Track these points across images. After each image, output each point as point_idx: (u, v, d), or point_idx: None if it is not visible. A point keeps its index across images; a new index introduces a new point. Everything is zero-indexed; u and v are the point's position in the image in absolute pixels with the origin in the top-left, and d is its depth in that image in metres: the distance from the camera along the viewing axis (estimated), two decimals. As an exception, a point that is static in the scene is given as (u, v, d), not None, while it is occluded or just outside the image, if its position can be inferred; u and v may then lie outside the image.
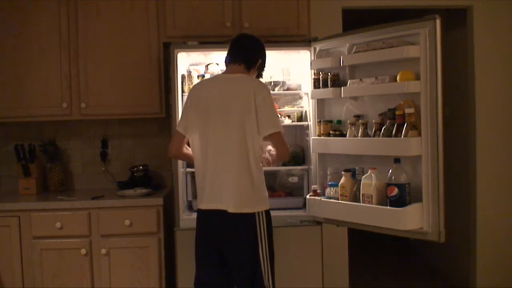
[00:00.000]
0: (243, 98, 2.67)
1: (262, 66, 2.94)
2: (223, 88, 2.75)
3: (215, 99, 2.72)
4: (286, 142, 2.79)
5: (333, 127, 3.16)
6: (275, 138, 2.72)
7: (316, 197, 3.17)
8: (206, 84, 2.91)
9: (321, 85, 3.21)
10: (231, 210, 2.64)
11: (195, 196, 3.41)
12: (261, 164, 2.78)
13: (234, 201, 2.65)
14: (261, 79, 2.95)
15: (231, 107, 2.67)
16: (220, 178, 2.68)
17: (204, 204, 2.75)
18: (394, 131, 2.74)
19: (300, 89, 3.59)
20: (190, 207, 3.46)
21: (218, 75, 2.97)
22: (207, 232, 2.77)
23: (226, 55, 2.89)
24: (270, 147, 2.88)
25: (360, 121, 2.96)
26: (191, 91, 2.91)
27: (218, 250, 2.74)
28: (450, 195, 2.81)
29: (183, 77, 3.47)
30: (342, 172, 2.99)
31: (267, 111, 2.68)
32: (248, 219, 2.67)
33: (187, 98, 2.89)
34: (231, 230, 2.68)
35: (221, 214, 2.66)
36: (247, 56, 2.84)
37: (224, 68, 3.59)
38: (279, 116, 3.48)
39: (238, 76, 2.78)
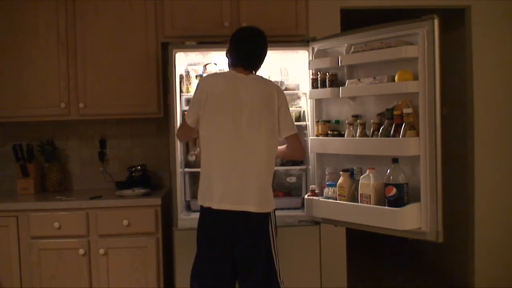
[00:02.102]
0: (266, 100, 2.75)
1: None
2: (243, 87, 2.74)
3: (234, 98, 2.71)
4: (302, 146, 2.95)
5: (332, 127, 3.16)
6: (294, 139, 2.86)
7: (314, 197, 3.17)
8: (221, 80, 2.80)
9: (319, 85, 3.21)
10: (254, 210, 2.65)
11: (193, 196, 3.42)
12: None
13: (257, 201, 2.67)
14: None
15: (254, 107, 2.71)
16: (240, 177, 2.66)
17: (217, 203, 2.67)
18: (392, 131, 2.74)
19: (298, 89, 3.58)
20: (188, 207, 3.46)
21: (231, 73, 2.84)
22: (220, 233, 2.71)
23: (233, 51, 2.84)
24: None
25: (358, 121, 2.96)
26: (203, 84, 2.81)
27: (231, 253, 2.71)
28: (448, 195, 2.81)
29: (181, 77, 3.47)
30: (340, 172, 2.99)
31: (287, 113, 2.82)
32: (265, 218, 2.71)
33: (197, 91, 2.79)
34: (249, 230, 2.68)
35: (241, 214, 2.65)
36: (258, 67, 2.91)
37: (222, 67, 3.62)
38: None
39: (255, 76, 2.84)
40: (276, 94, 2.78)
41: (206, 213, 2.73)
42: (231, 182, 2.67)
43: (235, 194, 2.67)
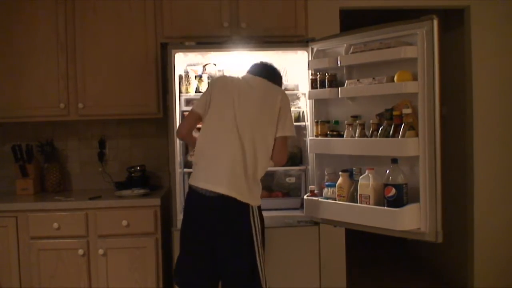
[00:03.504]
0: (268, 100, 2.80)
1: None
2: (251, 85, 2.85)
3: (244, 92, 2.80)
4: (286, 151, 2.89)
5: (331, 128, 3.16)
6: (282, 141, 2.82)
7: (314, 198, 3.17)
8: (230, 79, 2.98)
9: (318, 85, 3.21)
10: (235, 195, 2.65)
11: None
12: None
13: (238, 188, 2.67)
14: None
15: (259, 104, 2.77)
16: (228, 164, 2.68)
17: (202, 183, 2.71)
18: (391, 132, 2.74)
19: (297, 90, 3.59)
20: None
21: (243, 76, 2.99)
22: (201, 225, 2.74)
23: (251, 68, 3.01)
24: None
25: (357, 121, 2.96)
26: (213, 81, 3.02)
27: (212, 248, 2.71)
28: (447, 195, 2.81)
29: (180, 77, 3.47)
30: (340, 173, 2.99)
31: (287, 116, 2.83)
32: (246, 209, 2.69)
33: (208, 87, 2.93)
34: (230, 219, 2.69)
35: (222, 200, 2.66)
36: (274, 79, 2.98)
37: (222, 68, 3.63)
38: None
39: (265, 80, 2.90)
40: (280, 97, 2.82)
41: (192, 194, 2.77)
42: (218, 167, 2.70)
43: (219, 178, 2.68)
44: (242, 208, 2.69)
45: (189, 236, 2.79)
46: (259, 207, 2.79)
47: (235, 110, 2.74)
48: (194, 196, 2.76)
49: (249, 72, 2.98)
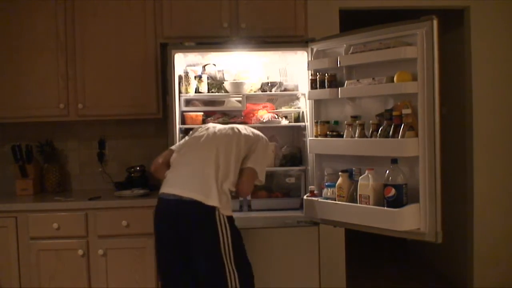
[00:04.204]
0: (250, 135, 2.89)
1: None
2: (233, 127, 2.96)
3: (212, 134, 2.88)
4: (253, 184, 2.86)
5: (330, 128, 3.16)
6: (248, 172, 2.80)
7: (313, 198, 3.17)
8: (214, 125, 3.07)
9: (318, 85, 3.21)
10: (199, 198, 2.62)
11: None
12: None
13: (203, 191, 2.65)
14: None
15: (227, 140, 2.82)
16: (192, 171, 2.72)
17: (167, 188, 2.73)
18: (391, 132, 2.74)
19: (297, 90, 3.59)
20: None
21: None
22: (168, 229, 2.72)
23: None
24: None
25: (357, 121, 2.96)
26: (196, 128, 3.10)
27: (180, 252, 2.69)
28: (447, 196, 2.81)
29: (180, 77, 3.47)
30: (339, 173, 2.99)
31: (260, 154, 2.85)
32: (212, 214, 2.62)
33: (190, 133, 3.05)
34: (195, 225, 2.64)
35: (187, 204, 2.63)
36: None
37: (221, 68, 3.63)
38: (276, 117, 3.49)
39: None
40: (263, 140, 2.92)
41: (158, 203, 2.76)
42: (182, 174, 2.74)
43: (183, 181, 2.69)
44: (206, 212, 2.61)
45: (157, 239, 2.78)
46: (230, 218, 2.69)
47: (208, 138, 2.84)
48: (159, 203, 2.75)
49: None
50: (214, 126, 2.99)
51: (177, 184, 2.70)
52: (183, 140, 3.03)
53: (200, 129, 3.01)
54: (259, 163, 2.82)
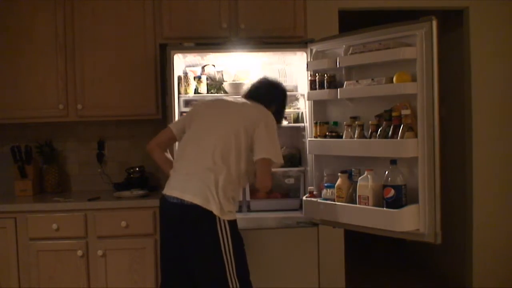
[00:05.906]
0: (248, 121, 2.70)
1: (277, 113, 2.93)
2: (230, 103, 2.86)
3: (217, 116, 2.77)
4: (270, 173, 2.73)
5: (330, 129, 3.16)
6: (262, 163, 2.67)
7: (313, 199, 3.17)
8: (210, 103, 2.96)
9: (317, 86, 3.21)
10: (198, 202, 2.57)
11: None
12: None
13: (203, 195, 2.59)
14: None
15: (233, 126, 2.69)
16: (194, 173, 2.65)
17: (169, 191, 2.70)
18: (390, 133, 2.74)
19: (296, 91, 3.59)
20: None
21: (222, 97, 3.07)
22: (169, 230, 2.71)
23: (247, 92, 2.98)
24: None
25: (356, 122, 2.96)
26: (193, 107, 3.02)
27: (180, 254, 2.67)
28: (447, 196, 2.81)
29: (179, 78, 3.47)
30: (339, 174, 2.99)
31: (266, 137, 2.68)
32: (212, 219, 2.57)
33: (191, 111, 2.94)
34: (194, 229, 2.61)
35: (188, 208, 2.60)
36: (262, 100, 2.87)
37: (220, 69, 3.63)
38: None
39: (245, 101, 2.87)
40: (263, 119, 2.72)
41: (162, 201, 2.74)
42: (182, 173, 2.69)
43: (184, 183, 2.64)
44: (207, 217, 2.57)
45: (161, 241, 2.78)
46: (231, 222, 2.64)
47: (211, 130, 2.71)
48: (162, 203, 2.74)
49: (245, 95, 2.95)
50: (211, 113, 2.83)
51: (178, 186, 2.67)
52: (182, 119, 2.93)
53: (201, 109, 2.88)
54: (268, 149, 2.67)
